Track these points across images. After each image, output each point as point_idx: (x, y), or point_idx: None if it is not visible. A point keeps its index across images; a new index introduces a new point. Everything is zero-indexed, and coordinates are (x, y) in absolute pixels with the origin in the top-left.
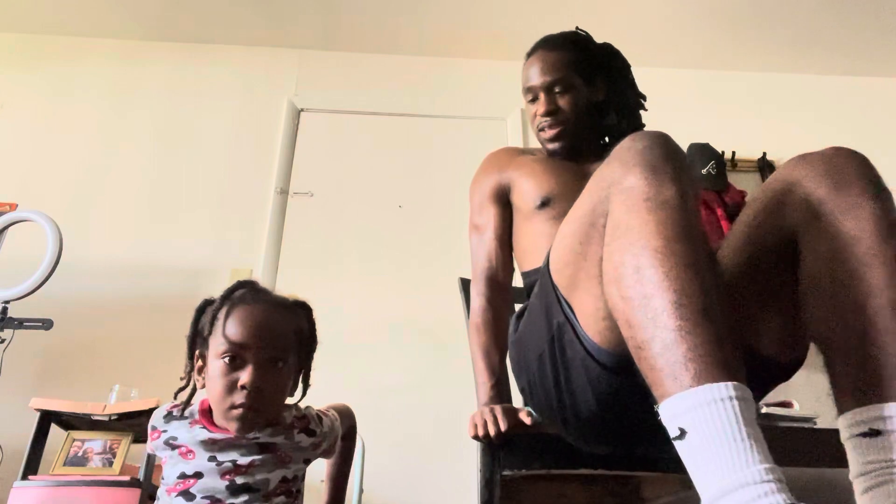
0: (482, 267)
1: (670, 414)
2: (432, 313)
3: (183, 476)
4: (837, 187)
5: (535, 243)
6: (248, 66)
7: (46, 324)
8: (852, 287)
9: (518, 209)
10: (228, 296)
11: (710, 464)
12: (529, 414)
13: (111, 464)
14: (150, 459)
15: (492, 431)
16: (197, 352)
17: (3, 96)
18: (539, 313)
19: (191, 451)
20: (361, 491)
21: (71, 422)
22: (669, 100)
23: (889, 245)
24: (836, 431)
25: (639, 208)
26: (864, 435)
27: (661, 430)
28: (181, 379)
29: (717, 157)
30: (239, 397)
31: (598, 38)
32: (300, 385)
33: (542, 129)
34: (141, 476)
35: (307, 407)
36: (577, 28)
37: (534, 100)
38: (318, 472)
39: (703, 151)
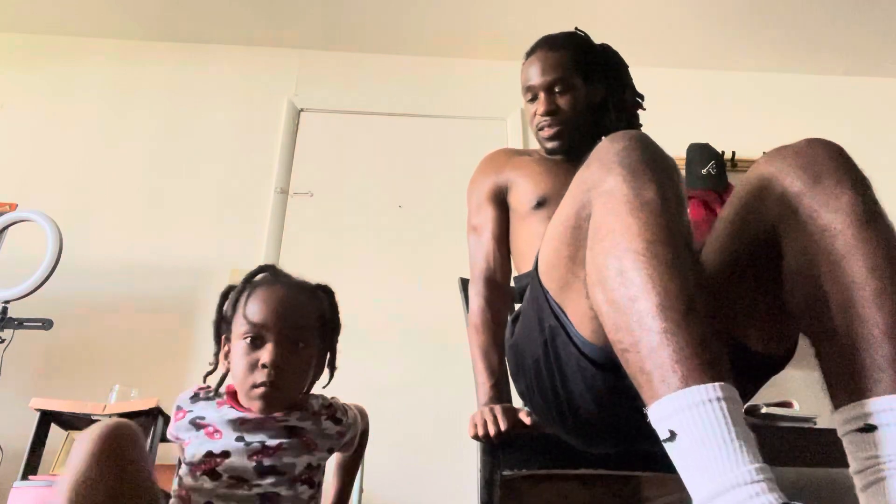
0: (480, 268)
1: (659, 416)
2: (432, 313)
3: (210, 455)
4: (814, 180)
5: (530, 244)
6: (248, 66)
7: (46, 324)
8: (835, 281)
9: (514, 210)
10: (249, 279)
11: (700, 465)
12: (529, 414)
13: None
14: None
15: (492, 431)
16: (223, 336)
17: (3, 96)
18: (531, 318)
19: (218, 431)
20: (361, 491)
21: (71, 422)
22: (669, 100)
23: (868, 235)
24: (836, 431)
25: (619, 211)
26: (860, 430)
27: None
28: (209, 364)
29: (717, 157)
30: (260, 376)
31: (598, 39)
32: (326, 370)
33: (541, 129)
34: None
35: (333, 397)
36: (576, 28)
37: (533, 99)
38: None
39: (703, 151)
